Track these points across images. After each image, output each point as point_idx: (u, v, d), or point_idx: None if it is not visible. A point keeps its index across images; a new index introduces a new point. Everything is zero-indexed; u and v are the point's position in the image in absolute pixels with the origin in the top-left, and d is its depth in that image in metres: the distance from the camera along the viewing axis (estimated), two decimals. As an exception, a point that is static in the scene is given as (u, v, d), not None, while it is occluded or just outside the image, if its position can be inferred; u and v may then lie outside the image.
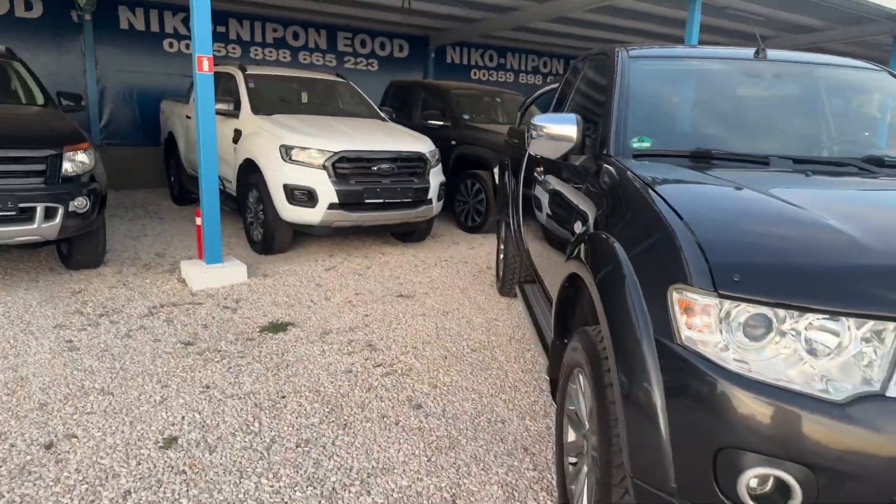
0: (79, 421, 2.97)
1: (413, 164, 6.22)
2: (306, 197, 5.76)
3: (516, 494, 2.56)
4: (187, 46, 10.65)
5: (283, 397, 3.33)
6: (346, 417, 3.14)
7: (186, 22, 10.60)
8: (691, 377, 1.51)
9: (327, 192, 5.74)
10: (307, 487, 2.54)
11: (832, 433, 1.37)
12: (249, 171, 6.25)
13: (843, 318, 1.45)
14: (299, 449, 2.83)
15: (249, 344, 4.04)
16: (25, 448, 2.72)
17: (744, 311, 1.50)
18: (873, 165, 2.38)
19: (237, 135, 6.53)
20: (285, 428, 3.01)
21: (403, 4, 9.16)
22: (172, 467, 2.64)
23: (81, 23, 9.65)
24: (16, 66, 6.08)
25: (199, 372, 3.58)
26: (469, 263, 6.30)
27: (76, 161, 4.91)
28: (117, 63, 10.04)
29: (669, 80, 2.93)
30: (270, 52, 11.43)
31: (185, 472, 2.61)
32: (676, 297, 1.59)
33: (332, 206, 5.77)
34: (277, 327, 4.34)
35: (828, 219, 1.71)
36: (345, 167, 5.83)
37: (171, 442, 2.83)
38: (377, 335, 4.27)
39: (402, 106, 9.54)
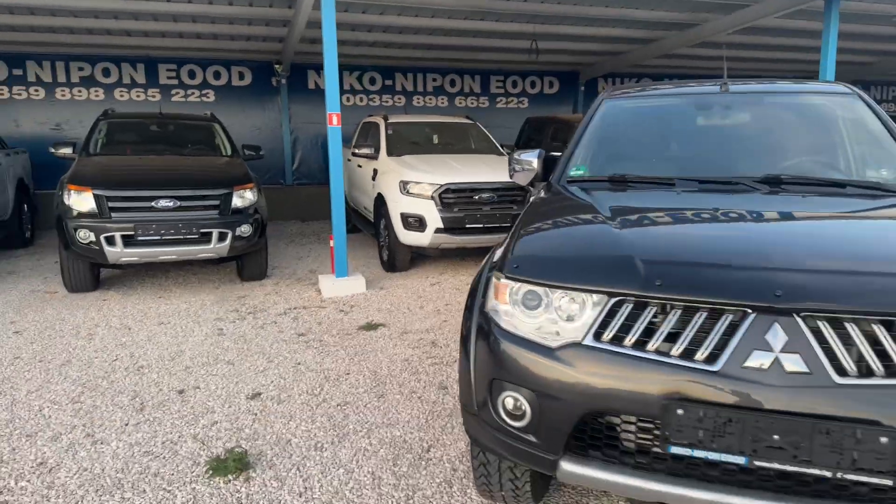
0: (205, 379, 4.23)
1: (513, 193, 7.00)
2: (418, 223, 6.82)
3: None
4: (361, 99, 12.53)
5: (348, 374, 4.32)
6: (384, 390, 4.04)
7: (360, 78, 12.49)
8: (487, 333, 2.18)
9: (434, 218, 6.75)
10: (330, 430, 3.47)
11: (546, 368, 1.96)
12: (381, 204, 7.48)
13: (583, 293, 2.03)
14: (339, 407, 3.78)
15: (346, 337, 5.12)
16: (167, 391, 4.01)
17: (520, 289, 2.14)
18: (768, 184, 2.71)
19: (375, 174, 7.84)
20: (337, 393, 3.99)
21: (532, 46, 10.00)
22: (249, 411, 3.74)
23: (279, 86, 11.93)
24: (215, 127, 8.02)
25: (299, 354, 4.72)
26: (564, 282, 6.86)
27: (243, 197, 6.47)
28: (306, 116, 12.17)
29: (627, 117, 3.43)
30: (430, 99, 12.93)
31: (256, 415, 3.69)
32: (494, 280, 2.27)
33: (438, 231, 6.76)
34: (371, 327, 5.38)
35: (614, 225, 2.25)
36: (449, 197, 6.80)
37: (255, 396, 3.95)
38: (444, 336, 5.11)
39: (537, 138, 10.35)
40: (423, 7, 8.98)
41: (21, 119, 10.78)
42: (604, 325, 1.94)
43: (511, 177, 3.56)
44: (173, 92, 11.45)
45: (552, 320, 2.07)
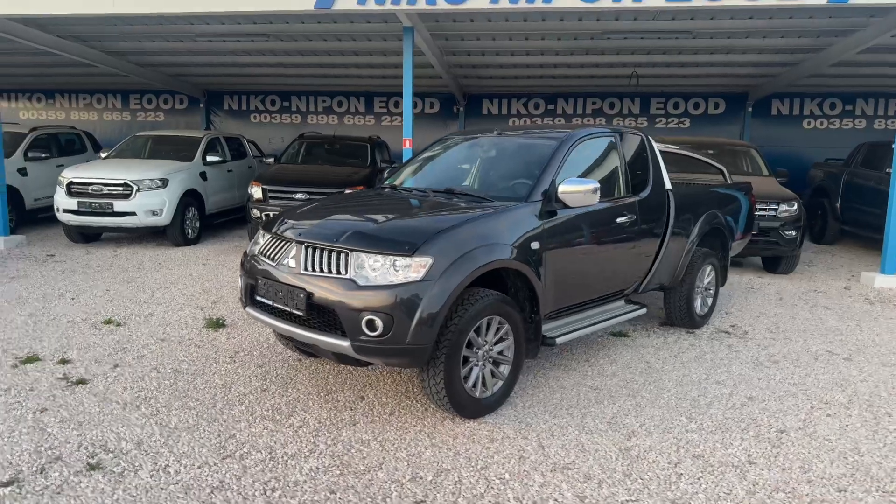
0: (261, 296, 7.19)
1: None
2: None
3: (332, 340, 5.57)
4: (524, 122, 14.73)
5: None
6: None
7: (526, 104, 14.69)
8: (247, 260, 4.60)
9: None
10: (280, 323, 6.11)
11: (242, 264, 4.33)
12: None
13: (269, 232, 4.33)
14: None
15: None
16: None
17: (265, 236, 4.51)
18: (444, 193, 4.52)
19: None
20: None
21: (632, 76, 11.10)
22: (259, 311, 6.56)
23: (458, 113, 14.82)
24: (368, 146, 11.17)
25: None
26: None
27: (354, 195, 9.41)
28: (477, 136, 14.82)
29: (441, 149, 5.34)
30: (588, 120, 14.50)
31: (260, 313, 6.49)
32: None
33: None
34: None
35: (337, 208, 4.44)
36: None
37: (272, 306, 6.77)
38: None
39: None
40: (547, 49, 10.95)
41: (284, 136, 15.51)
42: (255, 245, 4.27)
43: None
44: (382, 118, 15.14)
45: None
